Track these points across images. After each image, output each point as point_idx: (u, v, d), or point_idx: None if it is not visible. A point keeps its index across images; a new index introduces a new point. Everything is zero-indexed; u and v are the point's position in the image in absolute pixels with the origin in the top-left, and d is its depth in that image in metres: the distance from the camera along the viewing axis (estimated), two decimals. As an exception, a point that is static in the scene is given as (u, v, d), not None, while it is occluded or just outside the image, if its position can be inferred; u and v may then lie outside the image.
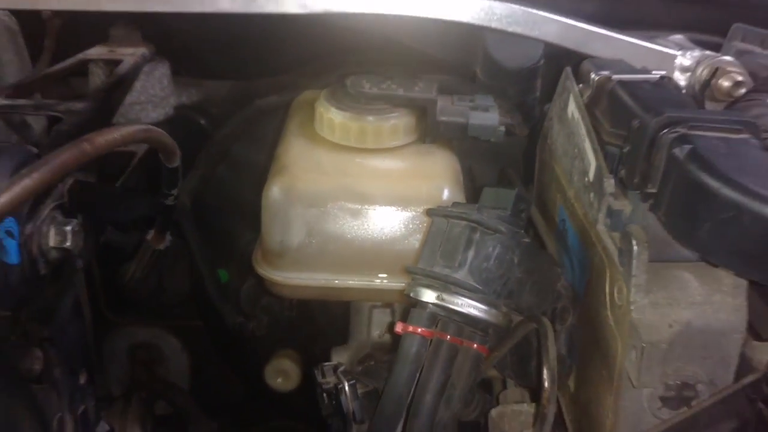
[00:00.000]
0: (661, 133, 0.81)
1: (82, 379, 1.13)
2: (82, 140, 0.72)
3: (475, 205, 0.96)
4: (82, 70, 1.31)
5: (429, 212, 0.97)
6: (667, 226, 0.81)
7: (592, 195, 0.96)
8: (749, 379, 0.84)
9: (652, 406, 0.88)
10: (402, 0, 1.13)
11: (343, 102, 1.15)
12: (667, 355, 0.84)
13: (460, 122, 1.13)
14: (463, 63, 1.27)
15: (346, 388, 0.99)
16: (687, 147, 0.78)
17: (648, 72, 1.01)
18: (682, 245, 0.79)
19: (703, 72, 1.09)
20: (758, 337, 0.88)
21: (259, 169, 1.24)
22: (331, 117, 1.14)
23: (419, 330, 0.90)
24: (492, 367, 1.03)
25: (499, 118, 1.14)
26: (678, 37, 1.21)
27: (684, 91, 1.12)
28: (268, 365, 1.48)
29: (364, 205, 1.08)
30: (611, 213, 0.90)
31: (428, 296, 0.90)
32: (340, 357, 1.15)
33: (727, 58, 1.10)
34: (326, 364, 1.03)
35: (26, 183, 0.65)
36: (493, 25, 1.13)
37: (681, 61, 1.12)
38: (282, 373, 1.47)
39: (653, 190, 0.82)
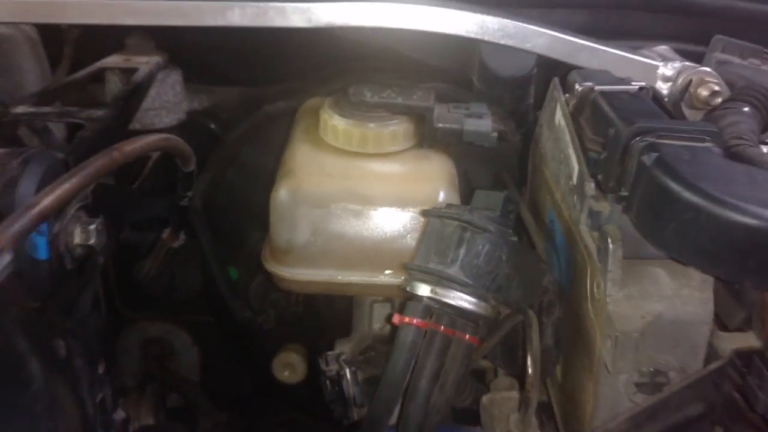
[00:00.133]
0: (633, 141, 0.90)
1: (101, 369, 1.22)
2: (112, 149, 0.83)
3: (466, 206, 1.06)
4: (99, 77, 1.39)
5: (424, 213, 1.07)
6: (638, 226, 0.90)
7: (575, 197, 1.05)
8: (714, 365, 0.93)
9: (628, 392, 0.98)
10: (401, 14, 1.21)
11: (346, 110, 1.24)
12: (640, 343, 0.94)
13: (455, 128, 1.22)
14: (460, 72, 1.35)
15: (348, 374, 1.09)
16: (654, 154, 0.87)
17: (629, 83, 1.10)
18: (651, 244, 0.89)
19: (683, 82, 1.19)
20: (724, 328, 0.98)
21: (267, 172, 1.31)
22: (335, 124, 1.22)
23: (415, 321, 0.99)
24: (483, 358, 1.14)
25: (492, 125, 1.22)
26: (663, 48, 1.30)
27: (666, 99, 1.22)
28: (276, 359, 1.55)
29: (365, 206, 1.16)
30: (592, 214, 0.99)
31: (423, 290, 1.00)
32: (343, 348, 1.24)
33: (706, 68, 1.19)
34: (329, 353, 1.13)
35: (66, 186, 0.76)
36: (487, 38, 1.22)
37: (663, 71, 1.21)
38: (289, 367, 1.55)
39: (626, 193, 0.91)
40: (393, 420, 1.03)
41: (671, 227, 0.83)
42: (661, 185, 0.84)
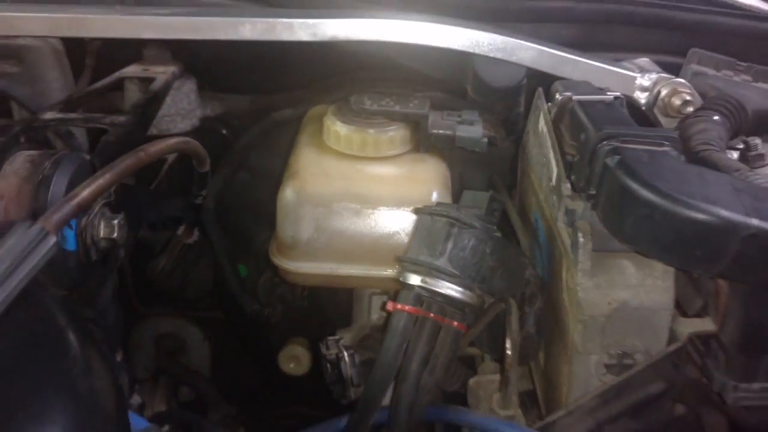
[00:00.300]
0: (599, 145, 1.03)
1: (119, 357, 1.35)
2: (139, 150, 0.97)
3: (455, 204, 1.20)
4: (118, 85, 1.47)
5: (416, 210, 1.19)
6: (603, 221, 1.03)
7: (555, 197, 1.18)
8: (673, 347, 1.07)
9: (598, 372, 1.11)
10: (400, 30, 1.32)
11: (347, 117, 1.35)
12: (606, 327, 1.07)
13: (448, 134, 1.33)
14: (455, 82, 1.44)
15: (346, 357, 1.22)
16: (617, 157, 0.99)
17: (605, 93, 1.24)
18: (613, 236, 1.02)
19: (658, 92, 1.33)
20: (684, 314, 1.11)
21: (275, 174, 1.41)
22: (337, 129, 1.34)
23: (407, 308, 1.11)
24: (471, 344, 1.27)
25: (482, 131, 1.33)
26: (644, 60, 1.42)
27: (644, 108, 1.35)
28: (282, 351, 1.64)
29: (364, 206, 1.27)
30: (567, 212, 1.12)
31: (414, 280, 1.12)
32: (343, 336, 1.37)
33: (680, 80, 1.32)
34: (330, 338, 1.26)
35: (100, 182, 0.90)
36: (479, 51, 1.32)
37: (641, 81, 1.33)
38: (294, 359, 1.64)
39: (593, 192, 1.04)
40: (387, 401, 1.13)
41: (630, 221, 0.96)
42: (622, 184, 0.96)
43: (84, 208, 0.92)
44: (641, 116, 1.34)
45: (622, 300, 1.07)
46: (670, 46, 1.47)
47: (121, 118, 1.29)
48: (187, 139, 1.15)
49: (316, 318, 1.68)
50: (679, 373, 1.09)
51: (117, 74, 1.49)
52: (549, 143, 1.21)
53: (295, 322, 1.68)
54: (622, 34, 1.50)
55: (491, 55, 1.34)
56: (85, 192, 0.89)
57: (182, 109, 1.52)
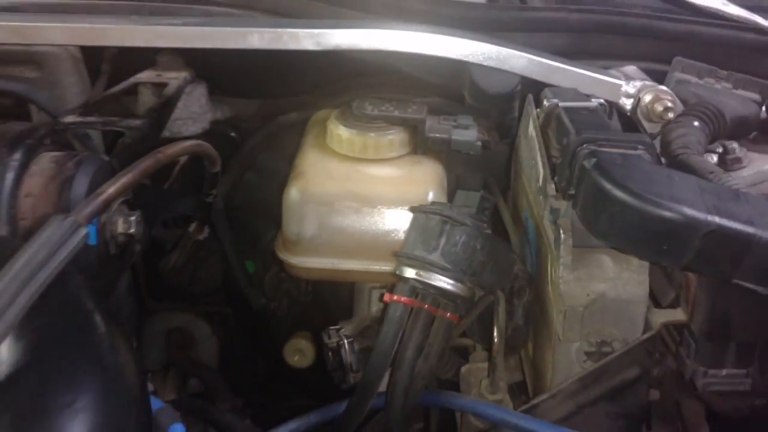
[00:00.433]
0: (578, 148, 1.14)
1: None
2: (157, 152, 1.09)
3: (448, 203, 1.32)
4: (132, 90, 1.56)
5: (412, 209, 1.30)
6: (581, 219, 1.13)
7: (541, 197, 1.30)
8: (646, 335, 1.18)
9: (579, 359, 1.22)
10: (400, 40, 1.42)
11: (349, 121, 1.45)
12: (586, 317, 1.19)
13: (444, 138, 1.44)
14: (453, 88, 1.53)
15: (346, 344, 1.33)
16: (593, 159, 1.10)
17: (589, 100, 1.35)
18: (589, 232, 1.14)
19: (641, 98, 1.44)
20: (658, 305, 1.23)
21: (281, 175, 1.49)
22: (340, 133, 1.44)
23: (402, 299, 1.21)
24: (462, 334, 1.39)
25: (477, 135, 1.43)
26: (631, 68, 1.52)
27: (629, 114, 1.46)
28: (287, 344, 1.73)
29: (364, 205, 1.37)
30: (552, 210, 1.23)
31: (409, 273, 1.22)
32: (345, 328, 1.49)
33: (662, 87, 1.43)
34: (331, 327, 1.38)
35: (124, 180, 1.02)
36: (474, 60, 1.43)
37: (626, 89, 1.43)
38: (299, 352, 1.71)
39: (573, 192, 1.14)
40: (384, 387, 1.24)
41: (604, 218, 1.07)
42: (596, 184, 1.07)
43: (108, 204, 1.04)
44: (630, 122, 1.44)
45: (600, 292, 1.18)
46: (656, 55, 1.57)
47: (137, 122, 1.40)
48: (201, 141, 1.27)
49: (319, 312, 1.76)
50: (654, 360, 1.20)
51: (132, 80, 1.57)
52: (537, 146, 1.32)
53: (299, 316, 1.77)
54: (611, 43, 1.59)
55: (485, 63, 1.44)
56: (111, 189, 1.01)
57: (194, 113, 1.59)
